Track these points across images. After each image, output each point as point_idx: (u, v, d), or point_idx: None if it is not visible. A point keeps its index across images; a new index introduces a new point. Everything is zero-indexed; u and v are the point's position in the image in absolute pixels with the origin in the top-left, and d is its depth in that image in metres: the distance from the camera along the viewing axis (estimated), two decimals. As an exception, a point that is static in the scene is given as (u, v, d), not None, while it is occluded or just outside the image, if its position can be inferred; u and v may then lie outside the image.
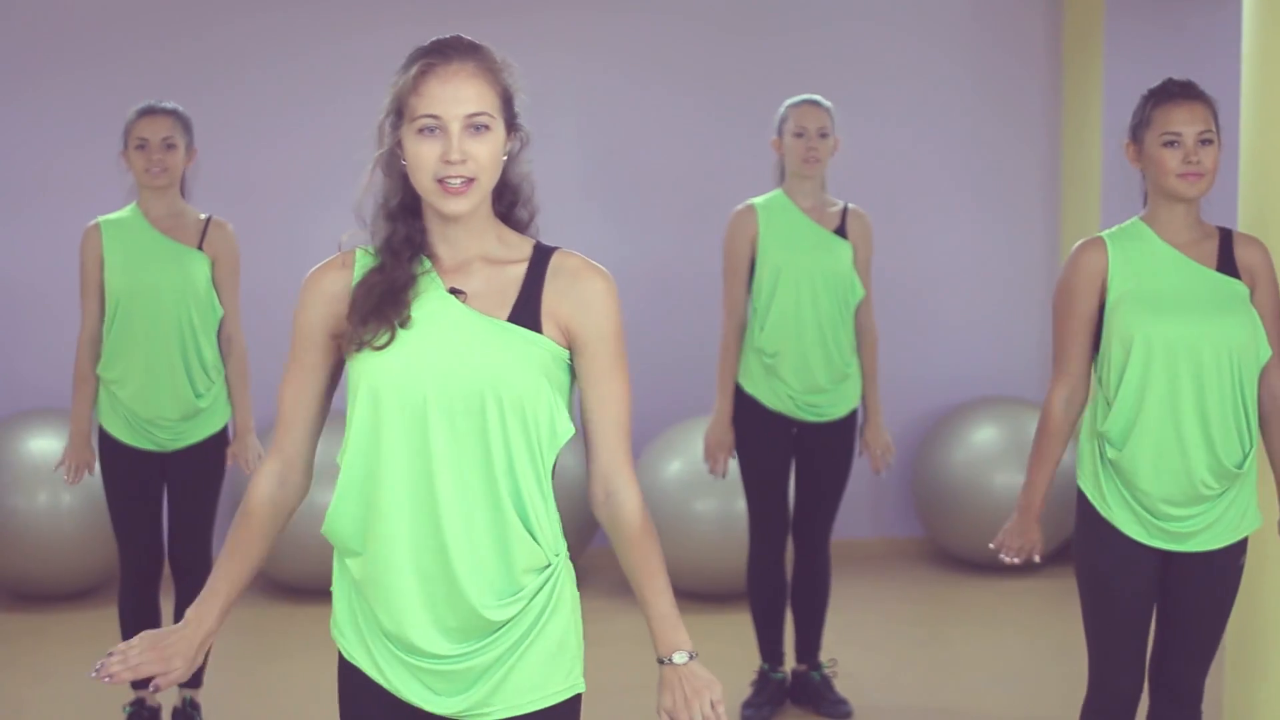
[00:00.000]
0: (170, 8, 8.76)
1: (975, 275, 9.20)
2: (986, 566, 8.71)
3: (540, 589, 3.10)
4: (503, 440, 3.05)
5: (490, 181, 3.08)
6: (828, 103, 6.41)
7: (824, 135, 6.36)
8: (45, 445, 8.17)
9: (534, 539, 3.08)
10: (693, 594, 8.13)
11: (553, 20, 8.73)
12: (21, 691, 7.09)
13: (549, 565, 3.11)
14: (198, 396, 6.01)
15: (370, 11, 8.73)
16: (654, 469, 8.15)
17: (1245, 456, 4.57)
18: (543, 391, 3.06)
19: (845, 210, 6.49)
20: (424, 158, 3.04)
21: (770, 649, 6.59)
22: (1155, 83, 4.62)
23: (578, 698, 3.16)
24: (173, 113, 5.99)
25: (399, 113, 3.07)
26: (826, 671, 6.65)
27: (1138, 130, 4.59)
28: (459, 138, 3.02)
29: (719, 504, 7.81)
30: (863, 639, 7.66)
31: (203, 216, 6.06)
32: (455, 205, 3.05)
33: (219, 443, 6.12)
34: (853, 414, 6.51)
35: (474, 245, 3.14)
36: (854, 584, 8.52)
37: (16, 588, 8.29)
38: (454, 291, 3.11)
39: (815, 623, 6.62)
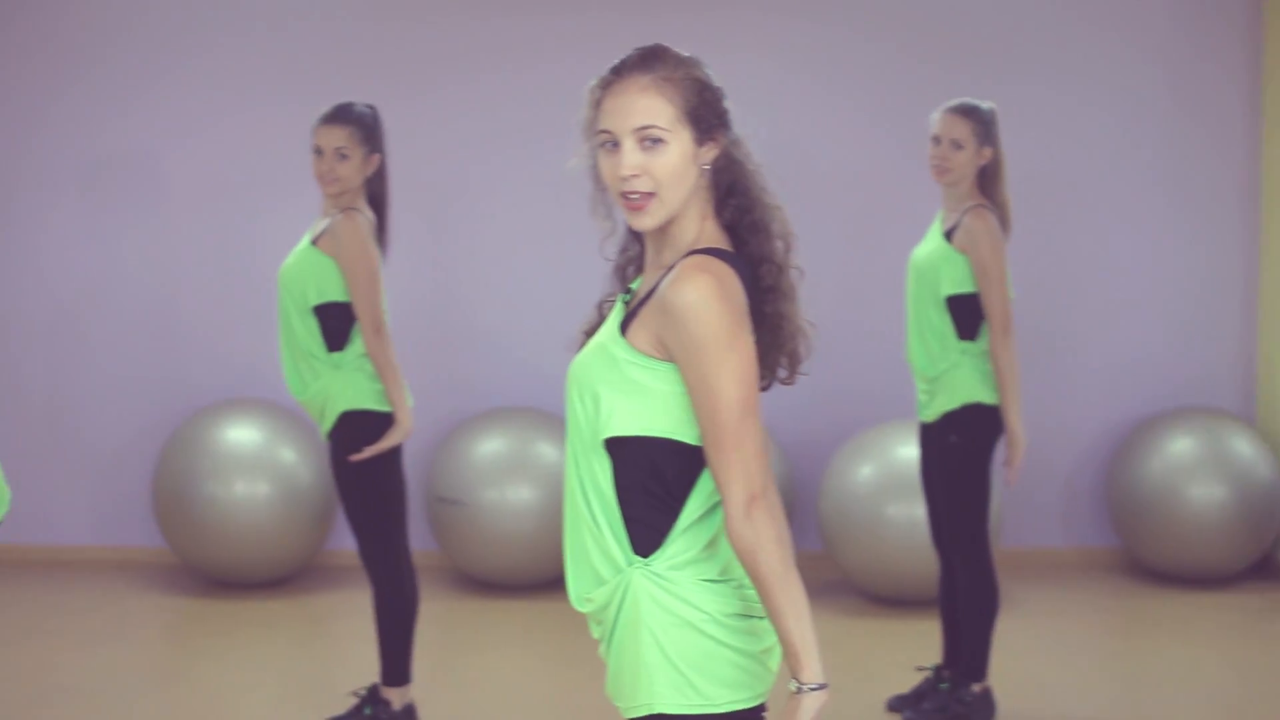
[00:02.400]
0: (360, 9, 8.88)
1: (1173, 282, 9.04)
2: (1183, 579, 8.57)
3: (611, 596, 3.11)
4: (578, 429, 3.13)
5: (674, 194, 3.08)
6: (984, 108, 6.28)
7: (958, 146, 6.26)
8: (242, 434, 8.32)
9: (601, 537, 3.10)
10: (881, 599, 8.11)
11: (730, 20, 8.72)
12: (217, 678, 7.20)
13: (620, 572, 3.10)
14: (312, 381, 6.05)
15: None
16: (846, 473, 8.12)
17: None
18: (601, 390, 3.07)
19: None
20: (606, 172, 3.12)
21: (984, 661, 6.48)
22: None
23: (654, 719, 3.10)
24: (353, 121, 5.99)
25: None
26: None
27: None
28: (630, 152, 3.06)
29: (909, 509, 7.72)
30: (1056, 649, 7.57)
31: (339, 217, 6.00)
32: (638, 221, 3.11)
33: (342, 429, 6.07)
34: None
35: (659, 252, 3.17)
36: (1047, 593, 8.43)
37: (214, 575, 8.43)
38: (627, 291, 3.22)
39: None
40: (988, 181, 6.30)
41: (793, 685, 3.03)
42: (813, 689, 3.01)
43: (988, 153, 6.25)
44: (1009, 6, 8.91)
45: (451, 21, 8.86)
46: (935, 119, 6.30)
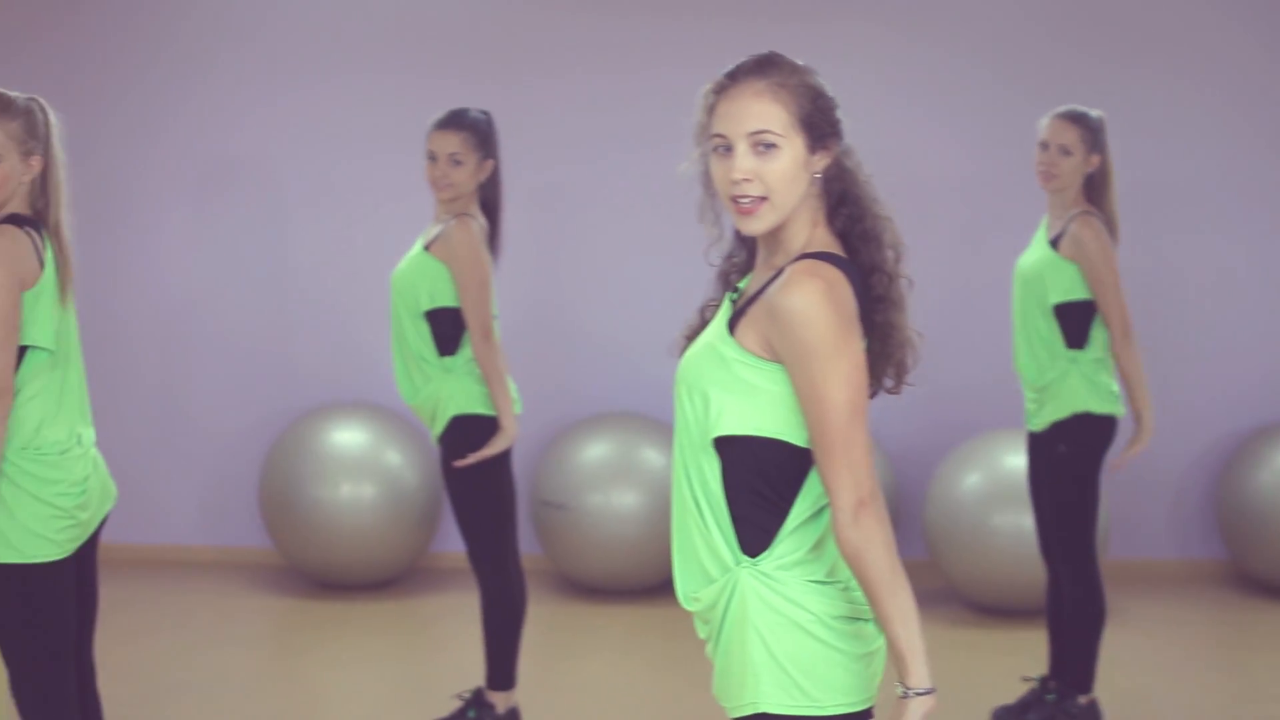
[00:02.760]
0: (474, 13, 8.92)
1: (1284, 291, 8.95)
2: (1293, 592, 8.48)
3: (719, 595, 3.12)
4: (687, 429, 3.14)
5: (785, 200, 3.09)
6: (1093, 115, 6.22)
7: (1066, 152, 6.21)
8: (349, 437, 8.38)
9: (709, 536, 3.12)
10: (986, 608, 8.06)
11: (835, 30, 8.67)
12: (321, 676, 7.26)
13: (728, 571, 3.10)
14: (423, 385, 6.08)
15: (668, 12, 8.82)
16: (953, 481, 8.09)
17: None
18: (710, 389, 3.09)
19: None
20: (718, 177, 3.14)
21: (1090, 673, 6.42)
22: None
23: (759, 718, 3.11)
24: (467, 126, 6.01)
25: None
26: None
27: None
28: (743, 156, 3.07)
29: (1016, 518, 7.67)
30: (1163, 662, 7.51)
31: (452, 223, 6.02)
32: (748, 225, 3.13)
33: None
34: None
35: (767, 256, 3.19)
36: (1154, 605, 8.34)
37: (319, 576, 8.48)
38: (734, 291, 3.25)
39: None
40: (1095, 189, 6.25)
41: (899, 689, 3.05)
42: (920, 693, 3.03)
43: (1095, 160, 6.20)
44: (1116, 14, 8.83)
45: (563, 25, 8.88)
46: (1043, 125, 6.25)
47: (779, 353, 3.03)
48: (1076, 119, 6.20)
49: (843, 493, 2.99)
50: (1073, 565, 6.30)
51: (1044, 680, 6.51)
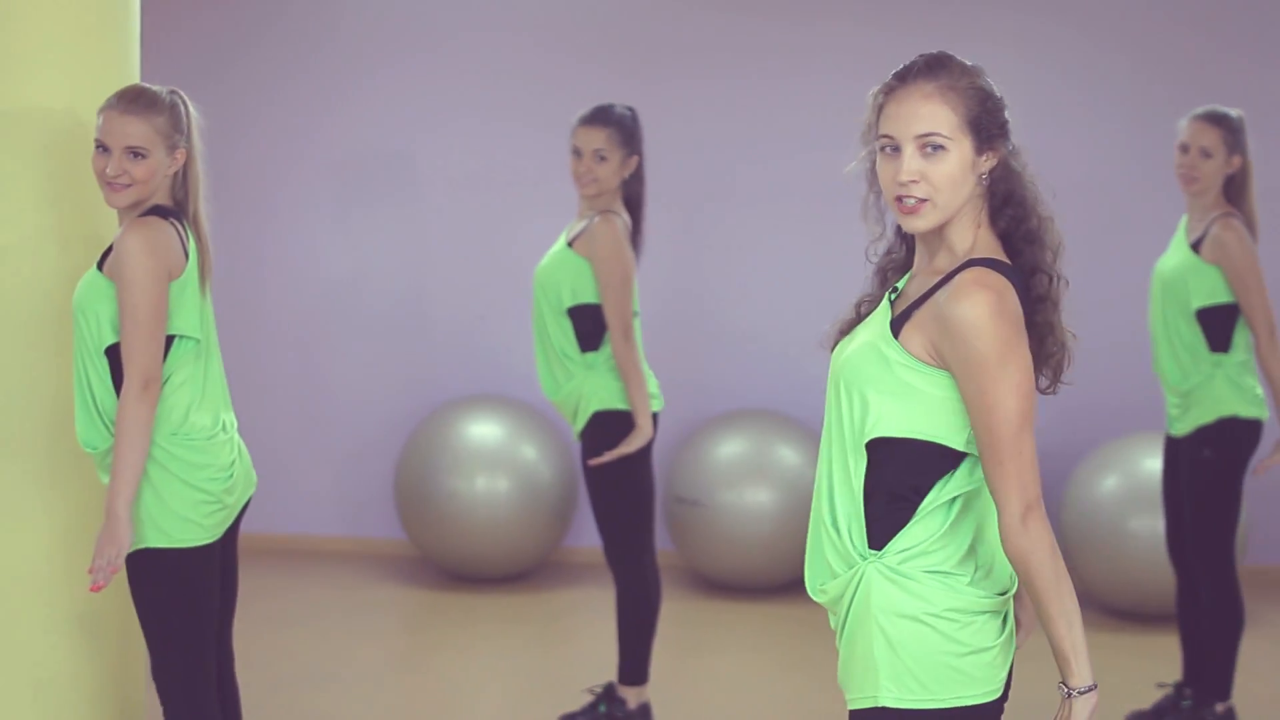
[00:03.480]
0: (618, 6, 8.94)
1: None
2: None
3: (845, 588, 3.14)
4: (840, 426, 3.16)
5: (950, 201, 3.10)
6: (1233, 115, 6.13)
7: (1206, 154, 6.13)
8: (485, 430, 8.43)
9: (837, 534, 3.14)
10: (1122, 613, 7.99)
11: (969, 39, 8.62)
12: (453, 667, 7.30)
13: (853, 565, 3.13)
14: (565, 381, 6.12)
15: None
16: (1089, 485, 8.02)
17: None
18: (869, 392, 3.10)
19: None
20: (884, 177, 3.14)
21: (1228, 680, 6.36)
22: None
23: (877, 712, 3.12)
24: (613, 123, 6.02)
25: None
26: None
27: None
28: (911, 158, 3.08)
29: (1153, 522, 7.61)
30: (1300, 670, 7.42)
31: (596, 220, 6.04)
32: (911, 223, 3.13)
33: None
34: None
35: (931, 256, 3.20)
36: (1287, 613, 8.26)
37: (453, 568, 8.54)
38: (893, 290, 3.24)
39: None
40: (1235, 190, 6.17)
41: (1062, 690, 3.08)
42: (1083, 692, 3.08)
43: (1237, 161, 6.12)
44: (1251, 13, 8.71)
45: (709, 23, 8.88)
46: (1183, 127, 6.18)
47: (946, 361, 3.04)
48: (1217, 120, 6.13)
49: (1011, 499, 3.02)
50: (1212, 571, 6.23)
51: (1179, 686, 6.45)
